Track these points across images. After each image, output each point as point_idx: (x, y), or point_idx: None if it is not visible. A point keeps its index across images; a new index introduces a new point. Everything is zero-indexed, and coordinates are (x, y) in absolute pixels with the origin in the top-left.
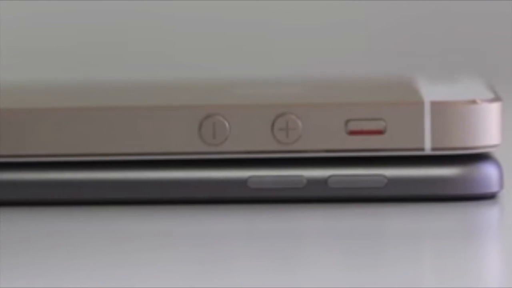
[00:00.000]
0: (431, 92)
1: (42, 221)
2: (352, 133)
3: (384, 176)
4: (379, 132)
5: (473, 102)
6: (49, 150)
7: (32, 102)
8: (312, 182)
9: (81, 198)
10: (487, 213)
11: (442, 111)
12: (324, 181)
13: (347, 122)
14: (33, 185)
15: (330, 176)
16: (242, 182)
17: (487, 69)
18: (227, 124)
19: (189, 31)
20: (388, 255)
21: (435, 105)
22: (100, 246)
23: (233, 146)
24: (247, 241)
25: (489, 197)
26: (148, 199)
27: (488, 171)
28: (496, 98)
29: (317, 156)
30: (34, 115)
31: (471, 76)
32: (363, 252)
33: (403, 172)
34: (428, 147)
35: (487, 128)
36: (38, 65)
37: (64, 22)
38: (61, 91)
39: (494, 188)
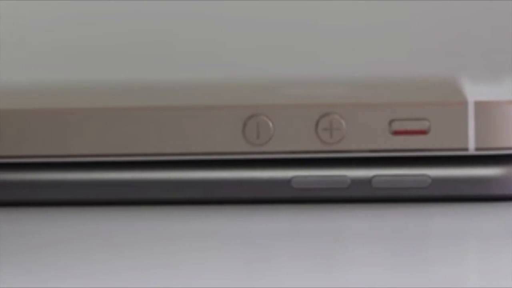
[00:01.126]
0: (475, 92)
1: (91, 221)
2: (396, 133)
3: (428, 176)
4: (423, 132)
5: None
6: (96, 150)
7: (81, 102)
8: (356, 182)
9: (126, 198)
10: None
11: (486, 111)
12: (368, 181)
13: (391, 122)
14: (81, 185)
15: (374, 176)
16: (286, 182)
17: None
18: (271, 124)
19: (236, 31)
20: (432, 255)
21: (479, 105)
22: (146, 246)
23: (277, 146)
24: (291, 241)
25: None
26: (193, 199)
27: None
28: None
29: (361, 156)
30: (81, 115)
31: None
32: (407, 252)
33: (447, 172)
34: (472, 147)
35: None
36: (87, 65)
37: (113, 22)
38: (108, 91)
39: None
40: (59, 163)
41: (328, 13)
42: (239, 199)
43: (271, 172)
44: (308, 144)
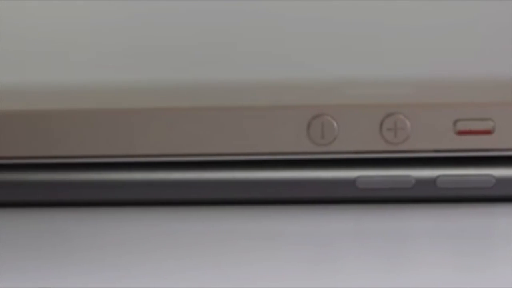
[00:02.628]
0: None
1: (155, 221)
2: (461, 133)
3: (493, 176)
4: (488, 132)
5: None
6: (160, 150)
7: (145, 102)
8: (421, 182)
9: (191, 198)
10: None
11: None
12: (432, 181)
13: (455, 122)
14: (146, 184)
15: (439, 176)
16: (351, 182)
17: None
18: (335, 124)
19: (301, 31)
20: (497, 256)
21: None
22: (212, 247)
23: (342, 146)
24: (356, 241)
25: None
26: (258, 199)
27: None
28: None
29: (426, 156)
30: (145, 115)
31: None
32: (472, 252)
33: None
34: None
35: None
36: (151, 65)
37: (177, 22)
38: (172, 91)
39: None
40: (125, 163)
41: (392, 12)
42: (304, 199)
43: (336, 172)
44: (372, 144)
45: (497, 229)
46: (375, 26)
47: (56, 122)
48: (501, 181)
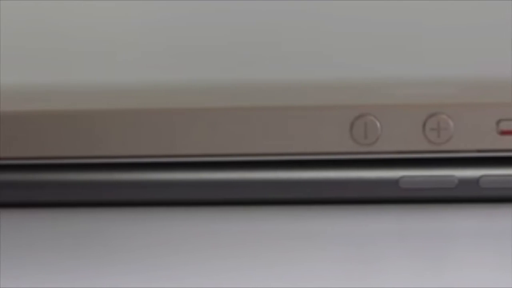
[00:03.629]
0: None
1: (201, 220)
2: (504, 133)
3: None
4: None
5: None
6: (205, 151)
7: (190, 102)
8: (464, 182)
9: (235, 198)
10: None
11: None
12: (475, 181)
13: (498, 122)
14: (193, 185)
15: (482, 176)
16: (394, 182)
17: None
18: (378, 124)
19: (344, 31)
20: None
21: None
22: (255, 246)
23: (385, 146)
24: (399, 241)
25: None
26: (300, 199)
27: None
28: None
29: (468, 156)
30: (190, 115)
31: None
32: None
33: None
34: None
35: None
36: (197, 65)
37: (223, 22)
38: (217, 91)
39: None
40: (169, 163)
41: (435, 13)
42: (347, 199)
43: (379, 172)
44: (415, 144)
45: None
46: (418, 27)
47: (99, 122)
48: None
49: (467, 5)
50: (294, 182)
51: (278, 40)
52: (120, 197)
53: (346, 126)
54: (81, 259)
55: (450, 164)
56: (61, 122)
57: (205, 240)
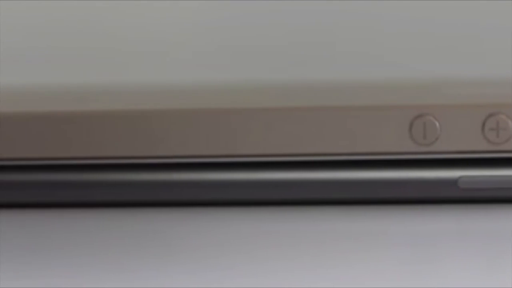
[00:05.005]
0: None
1: (258, 221)
2: None
3: None
4: None
5: None
6: (260, 150)
7: (242, 102)
8: None
9: (291, 197)
10: None
11: None
12: None
13: None
14: (249, 185)
15: None
16: (453, 182)
17: None
18: (437, 124)
19: (403, 31)
20: None
21: None
22: (314, 246)
23: (444, 146)
24: (458, 242)
25: None
26: (359, 198)
27: None
28: None
29: None
30: (242, 115)
31: None
32: None
33: None
34: None
35: None
36: (249, 65)
37: (279, 22)
38: (272, 91)
39: None
40: (224, 163)
41: (495, 12)
42: (405, 199)
43: (437, 172)
44: (474, 144)
45: None
46: (478, 26)
47: (156, 122)
48: None
49: None
50: (353, 182)
51: (335, 40)
52: (177, 197)
53: (405, 126)
54: (145, 258)
55: (510, 164)
56: (119, 122)
57: (262, 240)
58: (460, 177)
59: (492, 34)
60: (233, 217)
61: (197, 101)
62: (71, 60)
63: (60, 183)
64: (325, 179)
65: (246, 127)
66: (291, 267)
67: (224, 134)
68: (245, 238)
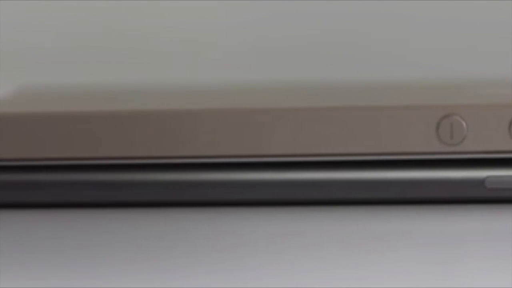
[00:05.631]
0: None
1: (288, 221)
2: None
3: None
4: None
5: None
6: (289, 151)
7: (272, 102)
8: None
9: (319, 197)
10: None
11: None
12: None
13: None
14: (279, 185)
15: None
16: (479, 182)
17: None
18: (464, 124)
19: (430, 31)
20: None
21: None
22: (341, 246)
23: (471, 146)
24: (485, 242)
25: None
26: (386, 198)
27: None
28: None
29: None
30: (274, 115)
31: None
32: None
33: None
34: None
35: None
36: (279, 65)
37: (309, 22)
38: (301, 91)
39: None
40: (254, 163)
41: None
42: (432, 199)
43: (464, 172)
44: (501, 144)
45: None
46: (505, 26)
47: (184, 122)
48: None
49: None
50: (381, 182)
51: (362, 40)
52: (204, 197)
53: (432, 126)
54: (171, 259)
55: None
56: (147, 122)
57: (292, 240)
58: (487, 177)
59: None
60: (260, 217)
61: (225, 101)
62: (102, 60)
63: (89, 183)
64: (352, 179)
65: (273, 127)
66: (317, 267)
67: (252, 134)
68: (271, 238)
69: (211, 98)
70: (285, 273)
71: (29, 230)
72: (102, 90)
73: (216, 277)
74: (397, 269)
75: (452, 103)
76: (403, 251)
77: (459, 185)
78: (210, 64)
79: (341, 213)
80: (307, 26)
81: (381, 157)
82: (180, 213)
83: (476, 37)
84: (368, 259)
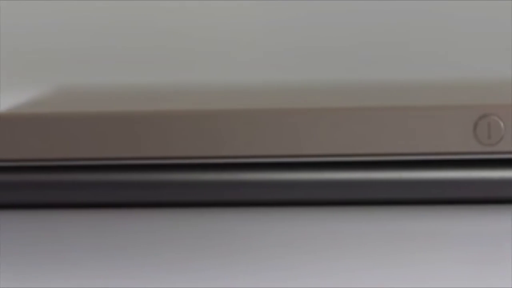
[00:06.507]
0: None
1: (322, 221)
2: None
3: None
4: None
5: None
6: (324, 151)
7: (311, 102)
8: None
9: (351, 197)
10: None
11: None
12: None
13: None
14: (317, 185)
15: None
16: None
17: None
18: (502, 124)
19: (468, 31)
20: None
21: None
22: (378, 247)
23: (508, 146)
24: None
25: None
26: (424, 198)
27: None
28: None
29: None
30: (310, 115)
31: None
32: None
33: None
34: None
35: None
36: (320, 65)
37: (342, 23)
38: (337, 91)
39: None
40: (291, 163)
41: None
42: (470, 199)
43: (502, 172)
44: None
45: None
46: None
47: (222, 122)
48: None
49: None
50: (418, 182)
51: (402, 40)
52: (243, 197)
53: (470, 126)
54: (210, 258)
55: None
56: (187, 122)
57: (329, 239)
58: None
59: None
60: (299, 217)
61: (264, 101)
62: (139, 61)
63: (129, 183)
64: (390, 179)
65: (311, 127)
66: (358, 267)
67: (290, 134)
68: (311, 238)
69: (248, 98)
70: (325, 272)
71: (68, 230)
72: (139, 90)
73: (254, 276)
74: (436, 269)
75: (490, 103)
76: (442, 251)
77: (496, 185)
78: (249, 64)
79: (381, 214)
80: (346, 26)
81: (418, 157)
82: (218, 213)
83: None
84: (407, 259)
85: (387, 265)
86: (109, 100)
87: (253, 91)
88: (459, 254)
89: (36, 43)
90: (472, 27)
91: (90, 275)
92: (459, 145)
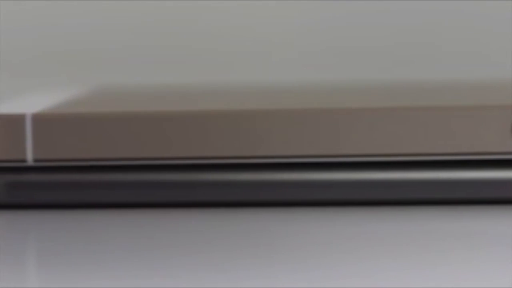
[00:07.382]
0: None
1: (356, 220)
2: None
3: None
4: None
5: None
6: (362, 150)
7: (349, 101)
8: None
9: (390, 197)
10: None
11: None
12: None
13: None
14: (348, 185)
15: None
16: None
17: None
18: None
19: (504, 30)
20: None
21: None
22: (413, 246)
23: None
24: None
25: None
26: (460, 198)
27: None
28: None
29: None
30: (347, 115)
31: None
32: None
33: None
34: None
35: None
36: (355, 65)
37: (376, 23)
38: (372, 91)
39: None
40: (328, 163)
41: None
42: (507, 199)
43: None
44: None
45: None
46: None
47: (259, 122)
48: None
49: None
50: (454, 182)
51: (438, 40)
52: (280, 197)
53: (507, 125)
54: (248, 258)
55: None
56: (221, 122)
57: (367, 239)
58: None
59: None
60: (336, 217)
61: (300, 101)
62: (175, 60)
63: (164, 183)
64: (426, 179)
65: (348, 127)
66: (395, 267)
67: (328, 134)
68: (348, 238)
69: (285, 98)
70: (362, 273)
71: (115, 230)
72: (175, 90)
73: (292, 276)
74: (472, 269)
75: None
76: (479, 251)
77: None
78: (285, 64)
79: (415, 213)
80: (382, 26)
81: (454, 157)
82: (255, 213)
83: None
84: (443, 259)
85: (427, 265)
86: (146, 100)
87: (290, 91)
88: (496, 255)
89: (72, 43)
90: (508, 26)
91: (133, 274)
92: (495, 145)
